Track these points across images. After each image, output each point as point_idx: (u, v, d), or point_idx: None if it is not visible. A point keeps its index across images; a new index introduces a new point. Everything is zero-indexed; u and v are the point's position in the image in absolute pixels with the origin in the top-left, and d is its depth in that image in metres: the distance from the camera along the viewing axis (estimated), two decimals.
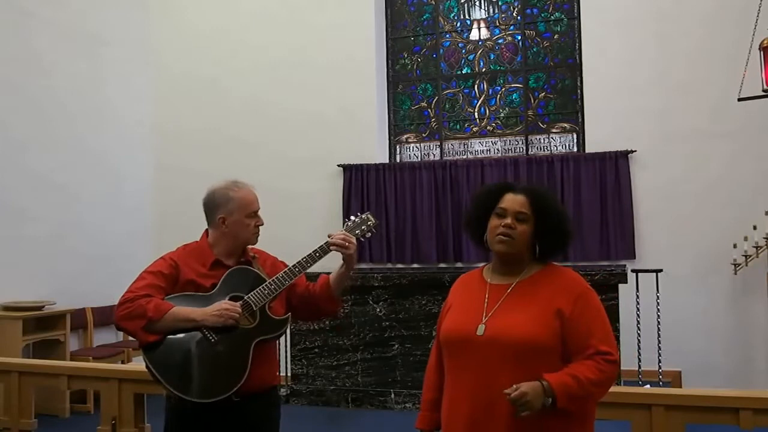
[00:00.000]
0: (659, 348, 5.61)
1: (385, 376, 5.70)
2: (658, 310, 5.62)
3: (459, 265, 6.76)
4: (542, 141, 7.06)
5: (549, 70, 7.12)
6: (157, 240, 6.84)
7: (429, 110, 7.44)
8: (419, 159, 7.35)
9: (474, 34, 7.38)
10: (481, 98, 7.30)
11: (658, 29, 6.40)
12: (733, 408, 2.68)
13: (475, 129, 7.29)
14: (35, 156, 6.11)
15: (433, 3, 7.47)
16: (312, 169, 7.18)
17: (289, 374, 5.90)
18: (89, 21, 6.83)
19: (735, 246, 5.84)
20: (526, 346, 1.89)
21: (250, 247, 2.62)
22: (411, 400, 5.45)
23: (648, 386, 4.72)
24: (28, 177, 6.02)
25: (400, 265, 6.93)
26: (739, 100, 5.02)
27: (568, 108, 7.03)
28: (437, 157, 7.28)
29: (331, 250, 2.54)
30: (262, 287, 2.46)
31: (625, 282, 5.34)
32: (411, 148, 7.44)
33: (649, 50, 6.42)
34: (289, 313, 2.58)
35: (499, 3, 7.31)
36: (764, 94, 4.80)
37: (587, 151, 6.67)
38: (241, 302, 2.43)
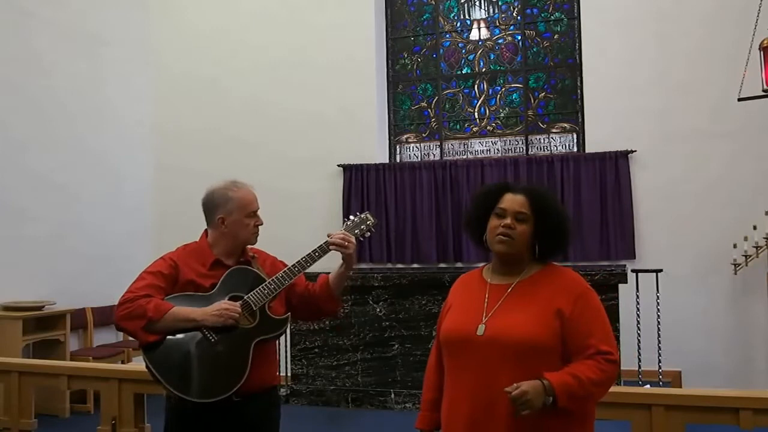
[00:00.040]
0: (659, 348, 5.61)
1: (385, 376, 5.70)
2: (658, 310, 5.62)
3: (459, 265, 6.76)
4: (542, 141, 7.06)
5: (549, 70, 7.12)
6: (157, 240, 6.84)
7: (429, 110, 7.44)
8: (419, 159, 7.35)
9: (474, 34, 7.38)
10: (481, 98, 7.29)
11: (658, 29, 6.39)
12: (733, 408, 2.68)
13: (475, 129, 7.29)
14: (35, 156, 6.11)
15: (433, 3, 7.47)
16: (312, 169, 7.18)
17: (289, 374, 5.91)
18: (89, 21, 6.83)
19: (735, 246, 5.84)
20: (526, 346, 1.89)
21: (249, 247, 2.62)
22: (411, 400, 5.45)
23: (648, 386, 4.72)
24: (28, 177, 6.02)
25: (400, 265, 6.93)
26: (739, 100, 5.01)
27: (568, 108, 7.03)
28: (437, 157, 7.28)
29: (330, 250, 2.55)
30: (262, 287, 2.47)
31: (625, 282, 5.34)
32: (411, 148, 7.44)
33: (649, 50, 6.42)
34: (289, 313, 2.58)
35: (499, 3, 7.31)
36: (764, 94, 4.80)
37: (587, 151, 6.67)
38: (240, 302, 2.43)
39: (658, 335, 5.61)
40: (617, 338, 4.78)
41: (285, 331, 2.63)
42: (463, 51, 7.39)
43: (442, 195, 6.88)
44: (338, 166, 7.11)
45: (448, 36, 7.45)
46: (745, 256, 5.79)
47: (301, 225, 6.51)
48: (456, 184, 6.86)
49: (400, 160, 7.40)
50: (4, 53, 5.89)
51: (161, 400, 2.54)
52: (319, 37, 7.25)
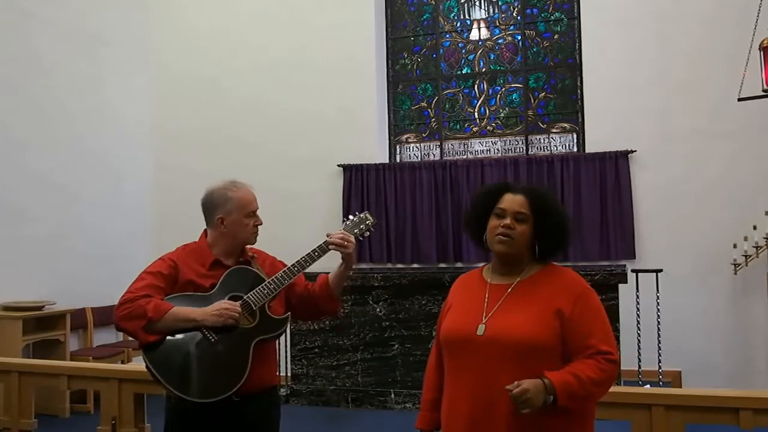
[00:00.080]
0: (659, 348, 5.61)
1: (385, 376, 5.70)
2: (658, 310, 5.62)
3: (459, 265, 6.76)
4: (542, 141, 7.06)
5: (549, 70, 7.12)
6: (157, 240, 6.84)
7: (429, 110, 7.44)
8: (419, 159, 7.35)
9: (474, 34, 7.38)
10: (481, 98, 7.29)
11: (658, 29, 6.39)
12: (733, 408, 2.68)
13: (475, 129, 7.29)
14: (35, 156, 6.11)
15: (433, 3, 7.47)
16: (312, 169, 7.18)
17: (289, 374, 5.90)
18: (89, 21, 6.83)
19: (735, 246, 5.84)
20: (526, 346, 1.89)
21: (248, 246, 2.62)
22: (411, 400, 5.45)
23: (648, 386, 4.72)
24: (28, 177, 6.02)
25: (400, 265, 6.92)
26: (739, 100, 5.01)
27: (568, 108, 7.03)
28: (437, 157, 7.28)
29: (329, 250, 2.55)
30: (262, 287, 2.47)
31: (625, 282, 5.34)
32: (411, 148, 7.44)
33: (649, 50, 6.42)
34: (289, 313, 2.58)
35: (499, 3, 7.31)
36: (764, 94, 4.80)
37: (587, 151, 6.67)
38: (240, 302, 2.43)
39: (658, 335, 5.61)
40: (617, 338, 4.78)
41: (285, 331, 2.63)
42: (463, 51, 7.39)
43: (442, 195, 6.88)
44: (338, 166, 7.11)
45: (448, 36, 7.45)
46: (745, 256, 5.79)
47: (301, 225, 6.51)
48: (456, 184, 6.86)
49: (400, 160, 7.40)
50: (4, 53, 5.89)
51: (161, 400, 2.54)
52: (319, 37, 7.25)
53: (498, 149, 7.17)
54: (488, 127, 7.25)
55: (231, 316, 2.37)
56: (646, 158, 6.39)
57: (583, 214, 6.41)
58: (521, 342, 1.89)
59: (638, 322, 5.62)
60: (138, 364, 3.25)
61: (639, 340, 5.59)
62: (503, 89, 7.24)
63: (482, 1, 7.35)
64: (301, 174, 7.18)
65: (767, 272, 5.79)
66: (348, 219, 2.65)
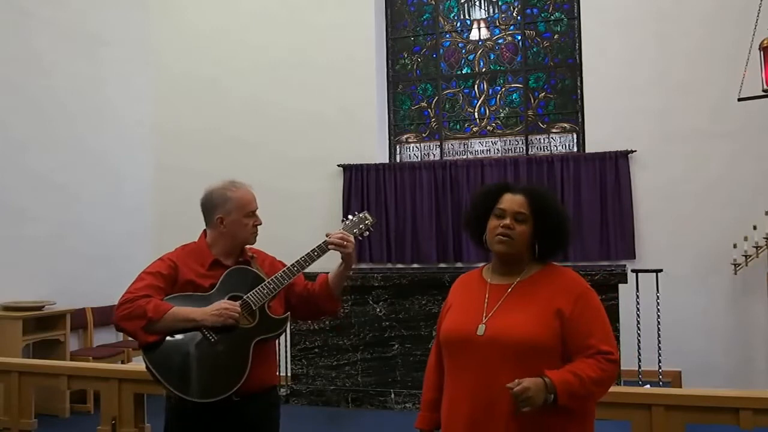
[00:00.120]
0: (659, 348, 5.61)
1: (385, 376, 5.70)
2: (658, 310, 5.61)
3: (459, 265, 6.76)
4: (542, 141, 7.06)
5: (549, 70, 7.12)
6: (157, 240, 6.84)
7: (429, 110, 7.44)
8: (419, 159, 7.35)
9: (474, 34, 7.38)
10: (481, 98, 7.29)
11: (658, 29, 6.39)
12: (733, 408, 2.68)
13: (475, 129, 7.29)
14: (35, 156, 6.11)
15: (433, 3, 7.47)
16: (312, 169, 7.18)
17: (289, 374, 5.90)
18: (89, 21, 6.83)
19: (735, 246, 5.84)
20: (526, 346, 1.89)
21: (248, 246, 2.62)
22: (411, 400, 5.45)
23: (648, 386, 4.72)
24: (28, 177, 6.02)
25: (400, 265, 6.92)
26: (739, 100, 5.01)
27: (568, 108, 7.03)
28: (437, 157, 7.28)
29: (329, 249, 2.54)
30: (261, 287, 2.47)
31: (625, 282, 5.34)
32: (411, 148, 7.44)
33: (649, 50, 6.42)
34: (289, 313, 2.58)
35: (499, 3, 7.31)
36: (764, 94, 4.80)
37: (587, 151, 6.67)
38: (240, 302, 2.43)
39: (658, 335, 5.61)
40: (617, 338, 4.78)
41: (285, 331, 2.63)
42: (463, 51, 7.39)
43: (442, 195, 6.88)
44: (338, 166, 7.11)
45: (448, 36, 7.45)
46: (745, 256, 5.79)
47: (301, 225, 6.50)
48: (456, 184, 6.86)
49: (400, 160, 7.40)
50: (4, 53, 5.89)
51: (161, 400, 2.53)
52: (319, 37, 7.25)
53: (498, 149, 7.17)
54: (488, 127, 7.25)
55: (231, 316, 2.37)
56: (646, 158, 6.39)
57: (583, 214, 6.41)
58: (521, 342, 1.89)
59: (638, 322, 5.62)
60: (138, 364, 3.25)
61: (639, 340, 5.59)
62: (503, 89, 7.24)
63: (482, 1, 7.35)
64: (301, 174, 7.18)
65: (767, 272, 5.79)
66: (347, 219, 2.65)
